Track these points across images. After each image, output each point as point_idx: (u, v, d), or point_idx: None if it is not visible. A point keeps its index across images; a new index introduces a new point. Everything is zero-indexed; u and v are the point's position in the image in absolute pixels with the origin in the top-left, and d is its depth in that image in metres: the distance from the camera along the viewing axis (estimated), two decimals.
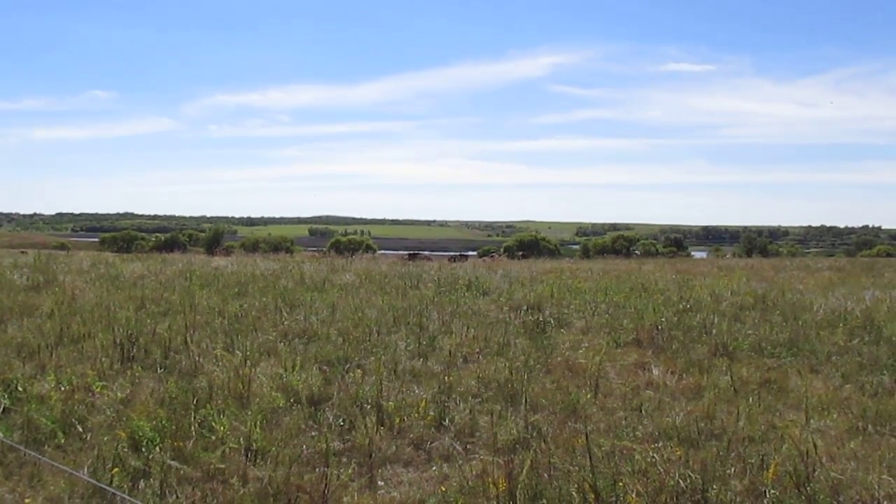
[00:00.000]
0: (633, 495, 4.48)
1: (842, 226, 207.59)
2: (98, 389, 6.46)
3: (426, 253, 37.70)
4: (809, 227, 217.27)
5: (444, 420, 5.92)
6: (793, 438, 5.27)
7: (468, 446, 5.47)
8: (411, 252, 33.58)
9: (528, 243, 65.43)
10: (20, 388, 6.37)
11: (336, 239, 73.54)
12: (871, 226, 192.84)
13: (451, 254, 38.06)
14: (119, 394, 6.39)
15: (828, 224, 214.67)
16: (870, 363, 7.93)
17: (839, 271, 19.95)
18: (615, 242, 68.78)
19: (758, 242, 73.90)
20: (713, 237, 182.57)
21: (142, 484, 4.75)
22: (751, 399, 6.58)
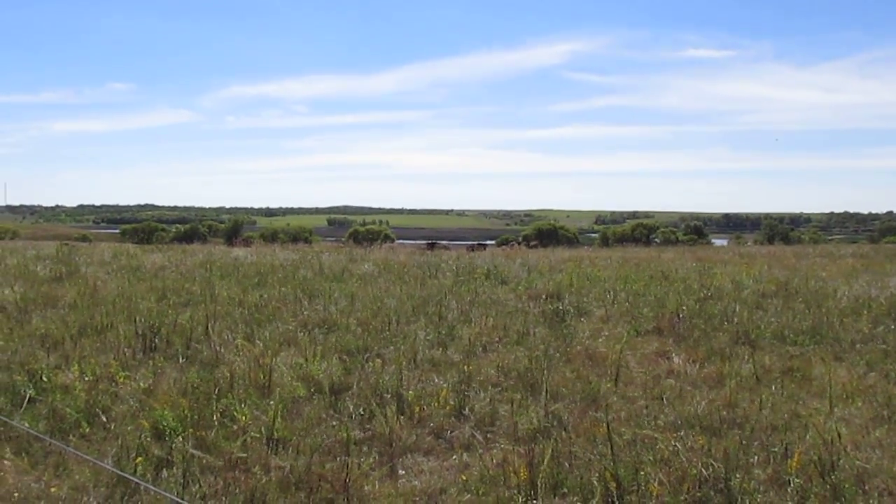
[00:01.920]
0: (655, 484, 4.44)
1: (865, 212, 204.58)
2: (121, 379, 6.50)
3: (444, 242, 37.28)
4: (832, 213, 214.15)
5: (464, 409, 5.89)
6: (817, 427, 5.22)
7: (488, 435, 5.43)
8: (430, 241, 33.29)
9: (547, 232, 64.85)
10: (45, 379, 6.41)
11: (354, 229, 73.35)
12: (895, 212, 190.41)
13: (470, 243, 37.93)
14: (142, 384, 6.41)
15: (851, 210, 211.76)
16: (895, 351, 7.76)
17: (862, 258, 19.62)
18: (634, 230, 67.98)
19: (779, 229, 73.03)
20: (734, 224, 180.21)
21: (165, 473, 4.76)
22: (773, 387, 6.50)
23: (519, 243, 39.36)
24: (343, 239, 57.29)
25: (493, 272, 13.67)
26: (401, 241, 54.87)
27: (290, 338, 8.28)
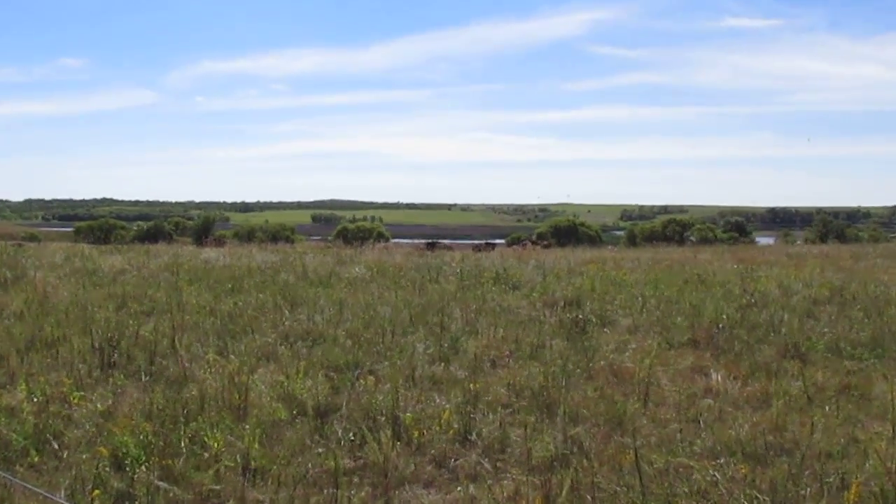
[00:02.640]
0: None
1: None
2: (75, 401, 6.46)
3: (447, 242, 37.27)
4: (895, 207, 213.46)
5: (471, 434, 5.84)
6: (878, 453, 5.14)
7: (498, 464, 5.38)
8: (429, 241, 33.10)
9: (565, 229, 63.86)
10: None
11: (343, 226, 71.97)
12: None
13: (476, 242, 37.73)
14: (99, 405, 6.38)
15: None
16: None
17: None
18: (666, 228, 67.44)
19: (834, 226, 72.49)
20: (781, 220, 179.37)
21: None
22: (827, 408, 6.44)
23: (533, 242, 39.34)
24: (330, 238, 57.17)
25: (504, 276, 13.63)
26: (396, 240, 54.66)
27: (269, 352, 8.21)
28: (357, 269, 15.04)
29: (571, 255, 20.69)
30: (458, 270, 14.55)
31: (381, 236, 60.97)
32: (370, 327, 9.40)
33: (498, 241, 51.15)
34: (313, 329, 9.28)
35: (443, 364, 7.84)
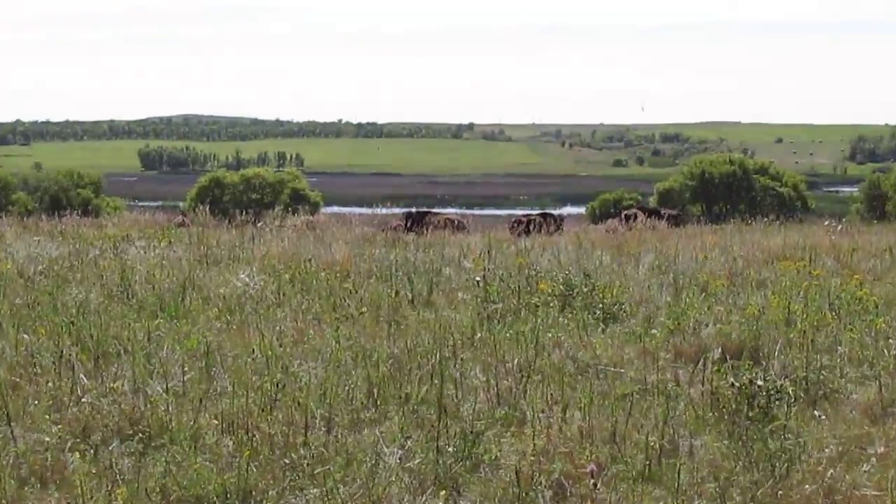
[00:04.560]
0: None
1: None
2: None
3: (451, 212, 25.83)
4: None
5: None
6: None
7: None
8: (410, 211, 22.78)
9: (723, 184, 42.56)
10: None
11: (212, 178, 47.33)
12: None
13: (520, 212, 25.12)
14: None
15: None
16: None
17: None
18: None
19: None
20: None
21: None
22: None
23: (649, 213, 25.38)
24: (184, 206, 37.34)
25: (584, 291, 10.28)
26: (336, 208, 40.09)
27: (42, 469, 6.14)
28: (245, 274, 11.42)
29: (737, 242, 15.42)
30: (478, 278, 10.91)
31: (300, 200, 41.42)
32: (276, 409, 6.90)
33: (568, 209, 45.24)
34: (146, 414, 6.72)
35: (445, 493, 5.64)
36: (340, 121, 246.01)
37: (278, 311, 10.28)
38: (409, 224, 20.27)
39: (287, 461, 6.12)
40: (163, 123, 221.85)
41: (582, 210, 40.23)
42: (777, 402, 7.16)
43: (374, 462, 6.10)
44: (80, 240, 15.29)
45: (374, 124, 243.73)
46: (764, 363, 8.17)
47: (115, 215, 26.12)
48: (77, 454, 6.07)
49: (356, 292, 10.85)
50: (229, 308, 10.41)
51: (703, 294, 10.95)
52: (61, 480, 5.96)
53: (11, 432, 6.60)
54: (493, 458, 6.26)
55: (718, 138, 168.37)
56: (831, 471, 6.00)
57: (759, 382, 7.32)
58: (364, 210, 28.13)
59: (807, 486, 5.81)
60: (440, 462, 6.12)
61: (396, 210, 22.89)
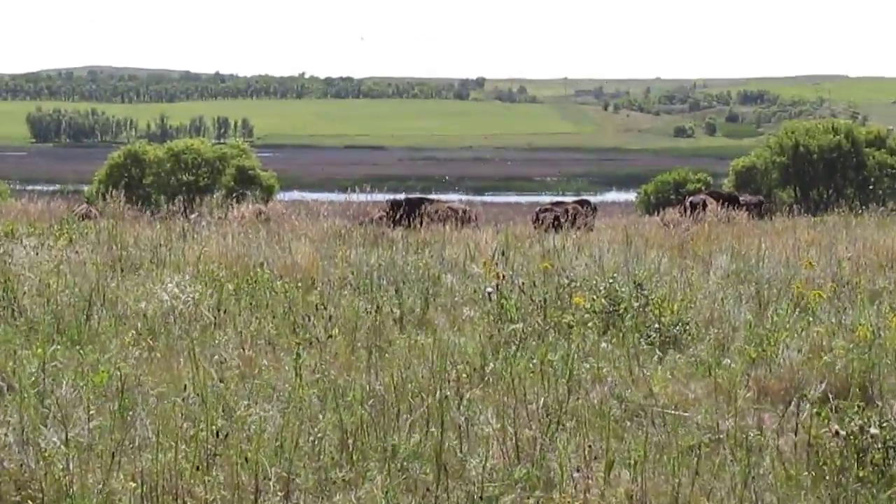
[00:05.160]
0: None
1: None
2: None
3: (454, 199, 22.80)
4: None
5: None
6: None
7: None
8: (403, 198, 20.84)
9: (826, 159, 34.83)
10: None
11: (129, 152, 40.43)
12: None
13: (542, 198, 22.42)
14: None
15: None
16: None
17: None
18: None
19: None
20: None
21: None
22: None
23: (723, 201, 22.06)
24: (92, 191, 32.33)
25: (632, 304, 9.20)
26: (299, 194, 38.22)
27: None
28: (173, 284, 9.88)
29: (843, 240, 13.33)
30: (492, 288, 9.57)
31: (248, 181, 36.26)
32: (216, 467, 5.99)
33: (613, 195, 42.81)
34: (38, 475, 5.82)
35: None
36: (303, 75, 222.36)
37: (218, 333, 9.01)
38: (396, 215, 17.88)
39: None
40: (61, 78, 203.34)
41: (631, 196, 37.86)
42: (894, 457, 6.33)
43: None
44: None
45: (348, 80, 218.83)
46: (879, 404, 7.07)
47: None
48: None
49: (324, 308, 9.24)
50: (152, 330, 9.04)
51: (797, 310, 9.50)
52: None
53: None
54: None
55: (818, 98, 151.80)
56: None
57: (874, 430, 6.59)
58: (335, 196, 26.68)
59: None
60: None
61: (379, 196, 19.93)
